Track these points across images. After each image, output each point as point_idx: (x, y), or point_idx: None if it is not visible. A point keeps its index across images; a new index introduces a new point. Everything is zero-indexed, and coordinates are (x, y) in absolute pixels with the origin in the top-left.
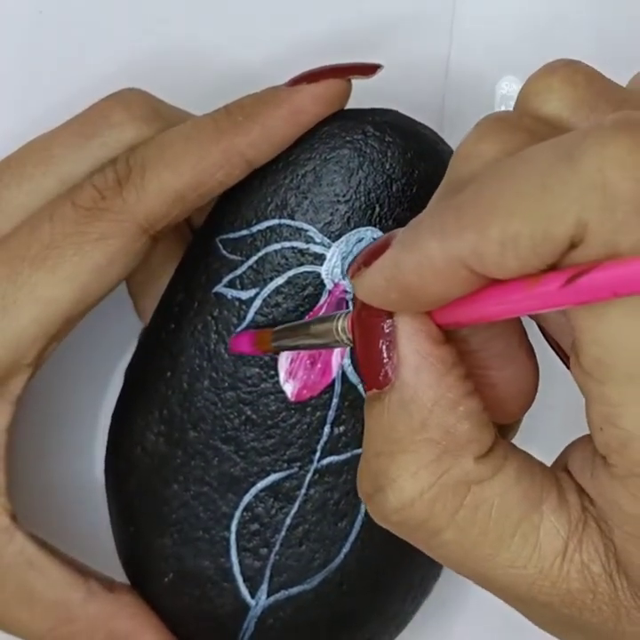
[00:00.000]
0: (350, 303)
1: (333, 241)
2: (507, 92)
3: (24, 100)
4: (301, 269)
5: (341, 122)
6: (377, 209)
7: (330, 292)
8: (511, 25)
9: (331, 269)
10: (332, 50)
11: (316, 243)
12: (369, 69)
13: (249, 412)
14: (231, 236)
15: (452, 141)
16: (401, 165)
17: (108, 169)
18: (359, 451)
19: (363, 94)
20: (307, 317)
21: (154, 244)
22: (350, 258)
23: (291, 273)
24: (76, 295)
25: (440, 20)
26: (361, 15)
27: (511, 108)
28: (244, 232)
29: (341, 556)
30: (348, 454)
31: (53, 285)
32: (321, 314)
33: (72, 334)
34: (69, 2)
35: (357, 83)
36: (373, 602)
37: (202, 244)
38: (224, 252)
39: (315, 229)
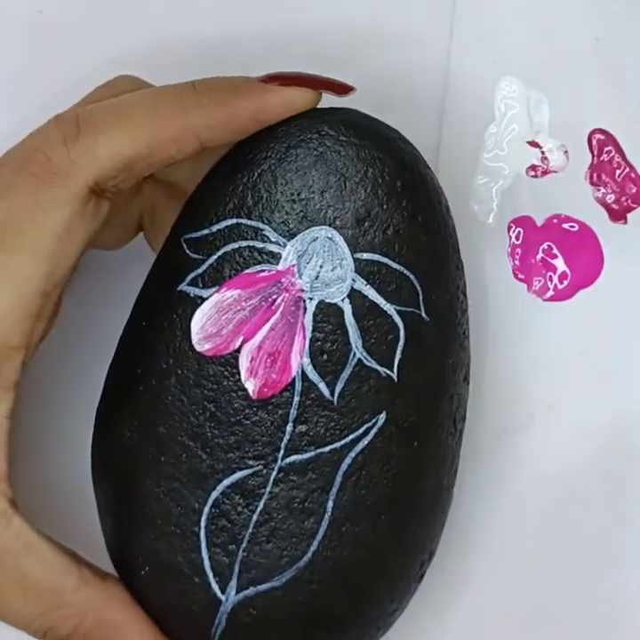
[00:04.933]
0: (308, 302)
1: (288, 240)
2: (507, 92)
3: (23, 100)
4: (258, 268)
5: (298, 121)
6: (331, 208)
7: (287, 290)
8: (511, 25)
9: (286, 268)
10: (331, 49)
11: (271, 242)
12: (342, 89)
13: (213, 409)
14: (193, 235)
15: (453, 141)
16: (354, 164)
17: (53, 128)
18: (323, 450)
19: (363, 94)
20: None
21: (103, 202)
22: (305, 257)
23: (248, 271)
24: (45, 268)
25: (440, 21)
26: (360, 15)
27: (511, 108)
28: (205, 231)
29: (309, 554)
30: (312, 453)
31: (20, 263)
32: (277, 314)
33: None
34: (69, 2)
35: (357, 84)
36: (349, 604)
37: (171, 243)
38: (187, 251)
39: (270, 228)
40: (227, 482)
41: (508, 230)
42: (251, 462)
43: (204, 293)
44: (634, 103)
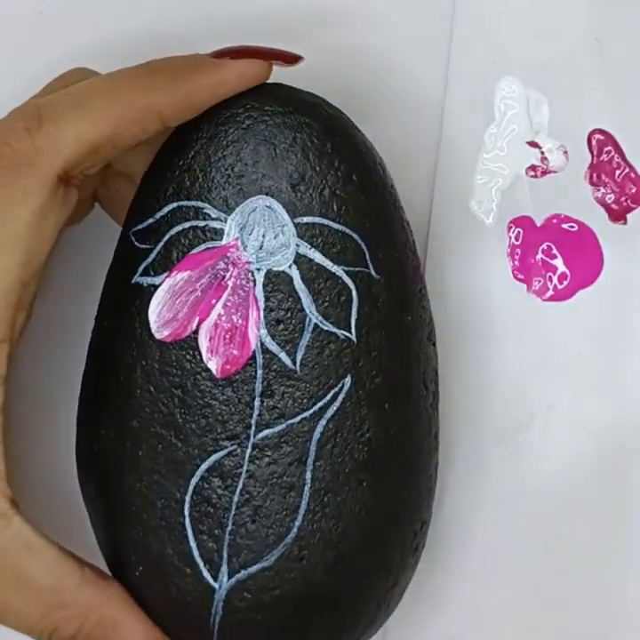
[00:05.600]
0: (256, 273)
1: (229, 214)
2: (506, 92)
3: (24, 100)
4: (203, 247)
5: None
6: (265, 177)
7: (234, 264)
8: (511, 25)
9: (230, 242)
10: (331, 49)
11: (212, 219)
12: (290, 58)
13: (181, 395)
14: (140, 226)
15: (453, 141)
16: (282, 131)
17: (16, 118)
18: (293, 421)
19: (363, 94)
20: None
21: (71, 189)
22: (247, 228)
23: (194, 252)
24: (21, 258)
25: (440, 20)
26: (360, 15)
27: (511, 108)
28: (150, 220)
29: (294, 529)
30: (283, 425)
31: None
32: (229, 290)
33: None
34: (70, 3)
35: (357, 84)
36: (341, 579)
37: (122, 239)
38: (137, 243)
39: (210, 206)
40: (204, 466)
41: (508, 230)
42: (224, 443)
43: (157, 281)
44: (633, 103)
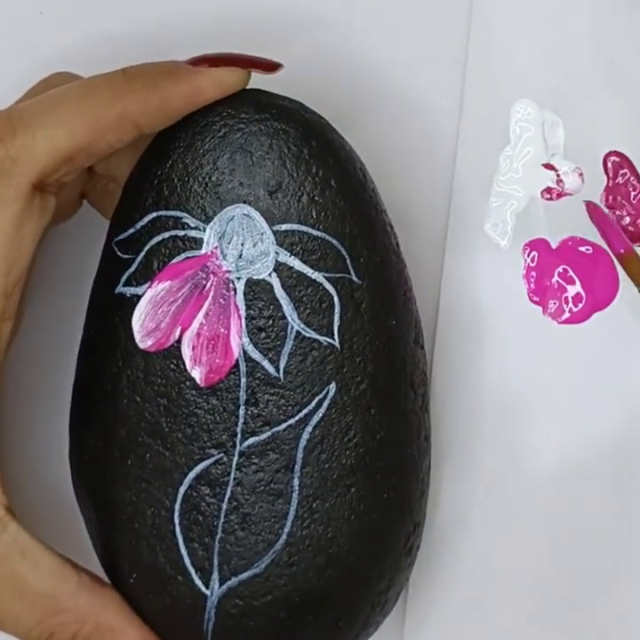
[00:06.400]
0: (237, 282)
1: (207, 223)
2: (522, 114)
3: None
4: (183, 256)
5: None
6: (242, 185)
7: (214, 273)
8: (526, 48)
9: (209, 251)
10: (345, 61)
11: (191, 228)
12: (270, 66)
13: (166, 403)
14: (122, 236)
15: (468, 164)
16: (257, 138)
17: None
18: (279, 428)
19: (377, 117)
20: (204, 303)
21: (48, 197)
22: (226, 237)
23: (175, 261)
24: (1, 268)
25: (454, 44)
26: (379, 37)
27: (526, 131)
28: (131, 230)
29: (284, 536)
30: (268, 433)
31: None
32: (209, 299)
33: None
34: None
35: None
36: (333, 583)
37: (105, 249)
38: (119, 253)
39: (188, 215)
40: (192, 474)
41: (523, 253)
42: (211, 451)
43: (139, 291)
44: None
